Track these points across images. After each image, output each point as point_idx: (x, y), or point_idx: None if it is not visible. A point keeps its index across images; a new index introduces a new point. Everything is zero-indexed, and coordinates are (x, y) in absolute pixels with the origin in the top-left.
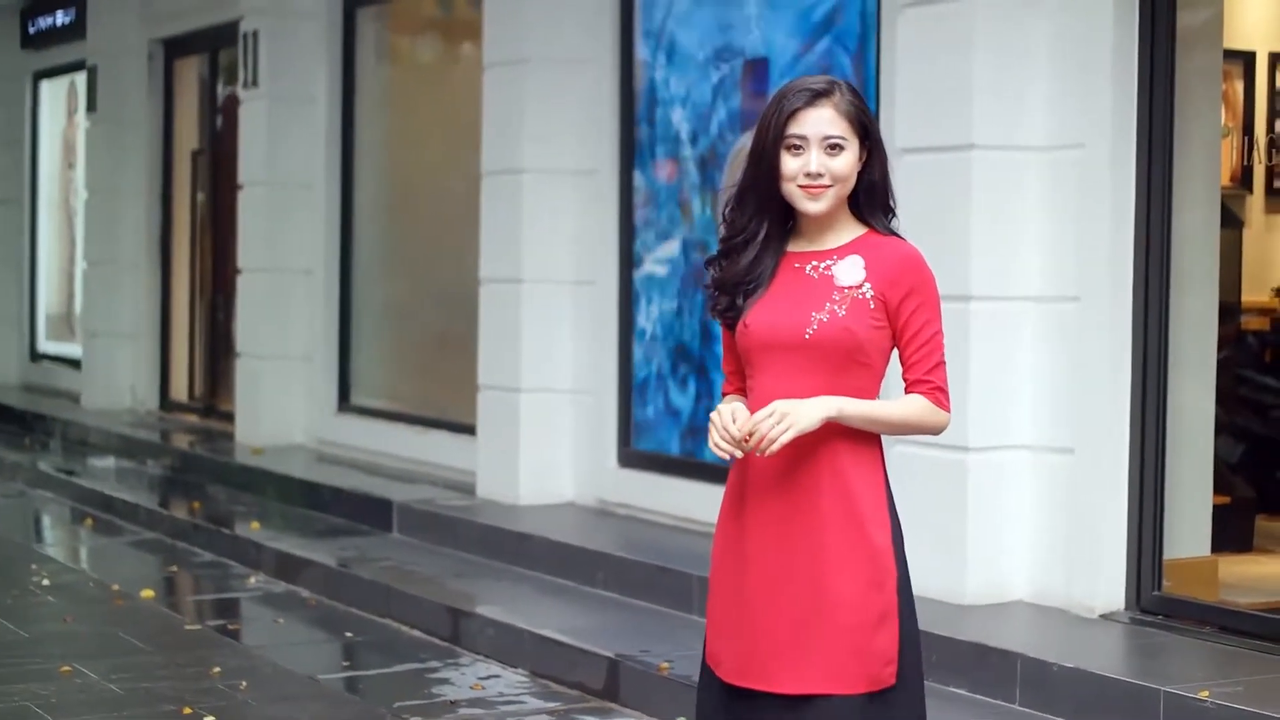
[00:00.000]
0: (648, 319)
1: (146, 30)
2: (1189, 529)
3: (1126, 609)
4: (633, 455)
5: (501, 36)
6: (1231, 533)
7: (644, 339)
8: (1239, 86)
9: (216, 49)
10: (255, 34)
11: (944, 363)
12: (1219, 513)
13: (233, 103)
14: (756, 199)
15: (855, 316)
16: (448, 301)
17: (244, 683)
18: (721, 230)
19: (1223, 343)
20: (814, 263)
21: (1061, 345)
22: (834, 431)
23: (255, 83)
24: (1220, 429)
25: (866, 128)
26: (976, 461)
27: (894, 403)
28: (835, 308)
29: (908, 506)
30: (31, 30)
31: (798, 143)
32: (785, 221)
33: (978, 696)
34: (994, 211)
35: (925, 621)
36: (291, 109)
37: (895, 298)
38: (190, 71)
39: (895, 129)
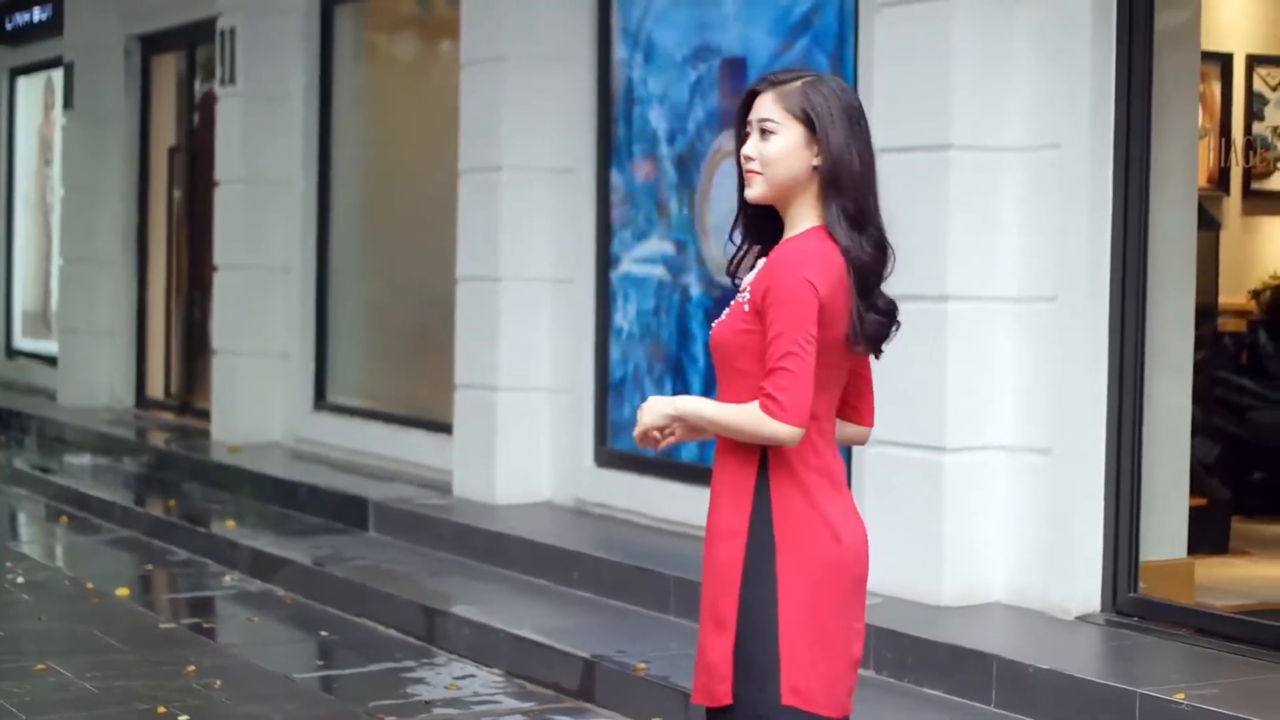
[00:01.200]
0: (625, 318)
1: (124, 27)
2: (1165, 531)
3: (1103, 611)
4: (610, 455)
5: (479, 34)
6: (1208, 535)
7: (621, 338)
8: (1216, 88)
9: (194, 46)
10: (232, 31)
11: (786, 369)
12: (1195, 515)
13: (210, 99)
14: (740, 185)
15: (728, 322)
16: (425, 299)
17: (218, 681)
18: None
19: (1200, 344)
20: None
21: (1039, 346)
22: (722, 435)
23: (232, 80)
24: (1197, 430)
25: (810, 120)
26: (953, 462)
27: (729, 405)
28: (722, 314)
29: (885, 507)
30: (8, 26)
31: (747, 129)
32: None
33: (954, 698)
34: (972, 212)
35: (902, 623)
36: (269, 106)
37: (759, 300)
38: (167, 68)
39: (873, 129)
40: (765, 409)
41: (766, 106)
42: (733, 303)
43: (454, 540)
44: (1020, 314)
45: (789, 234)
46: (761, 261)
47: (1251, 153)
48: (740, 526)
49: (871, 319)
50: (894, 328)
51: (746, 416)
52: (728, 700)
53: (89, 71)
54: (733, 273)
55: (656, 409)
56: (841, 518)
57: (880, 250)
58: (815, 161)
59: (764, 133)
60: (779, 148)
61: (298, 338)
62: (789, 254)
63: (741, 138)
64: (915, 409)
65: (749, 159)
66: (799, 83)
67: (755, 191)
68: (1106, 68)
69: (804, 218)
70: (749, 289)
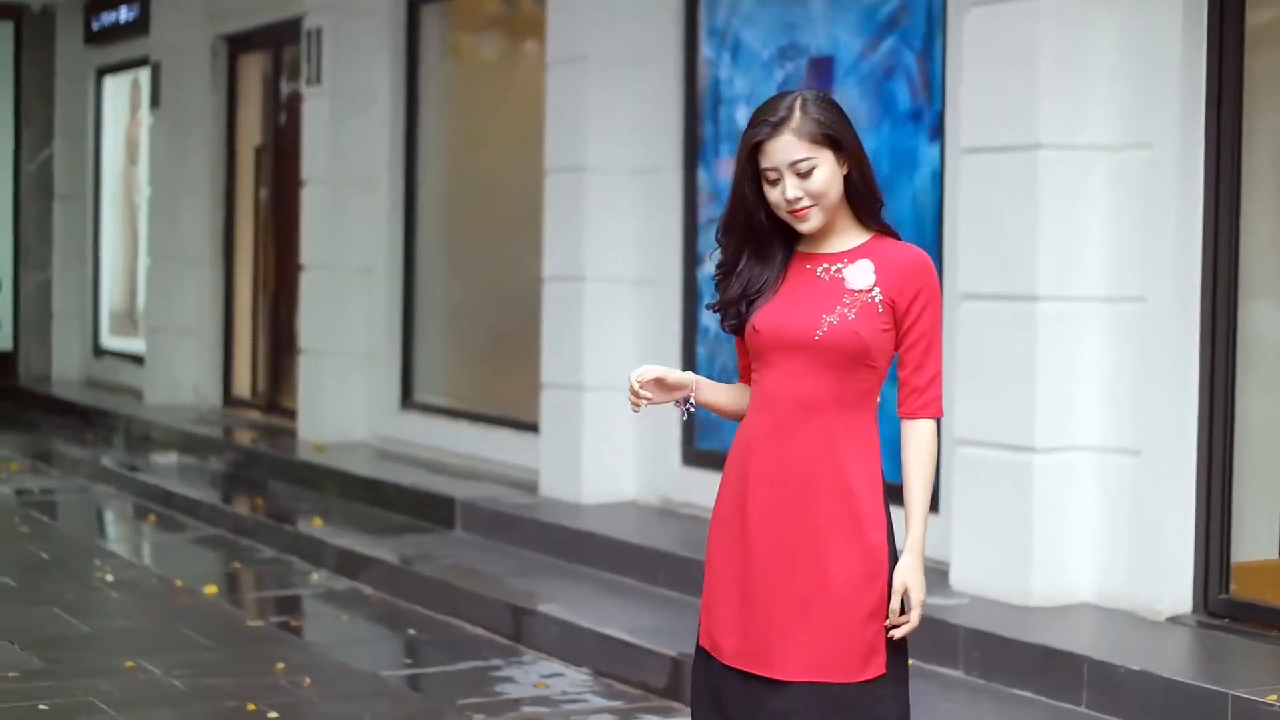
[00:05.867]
0: (711, 318)
1: (210, 27)
2: (1256, 531)
3: (1194, 612)
4: (696, 454)
5: (565, 34)
6: None
7: (707, 338)
8: None
9: (280, 46)
10: (318, 31)
11: (939, 371)
12: None
13: (296, 99)
14: (739, 230)
15: (864, 320)
16: (510, 299)
17: (307, 679)
18: (717, 254)
19: None
20: (825, 265)
21: (1128, 346)
22: (833, 427)
23: (318, 80)
24: None
25: (834, 139)
26: (1043, 463)
27: (918, 481)
28: (845, 311)
29: (973, 507)
30: (95, 27)
31: (772, 175)
32: (781, 236)
33: (1044, 699)
34: (1060, 211)
35: (991, 623)
36: (354, 106)
37: (904, 301)
38: (253, 68)
39: (961, 128)
40: (934, 413)
41: (792, 148)
42: (849, 300)
43: (540, 539)
44: (1109, 314)
45: (845, 244)
46: (865, 263)
47: None
48: (879, 513)
49: None
50: None
51: (928, 452)
52: (882, 671)
53: (175, 71)
54: (739, 297)
55: (919, 573)
56: None
57: None
58: (844, 172)
59: (802, 174)
60: (824, 177)
61: (383, 337)
62: (920, 258)
63: (754, 187)
64: (1004, 409)
65: (797, 200)
66: (798, 111)
67: (814, 223)
68: (1197, 66)
69: (852, 227)
70: (876, 289)
